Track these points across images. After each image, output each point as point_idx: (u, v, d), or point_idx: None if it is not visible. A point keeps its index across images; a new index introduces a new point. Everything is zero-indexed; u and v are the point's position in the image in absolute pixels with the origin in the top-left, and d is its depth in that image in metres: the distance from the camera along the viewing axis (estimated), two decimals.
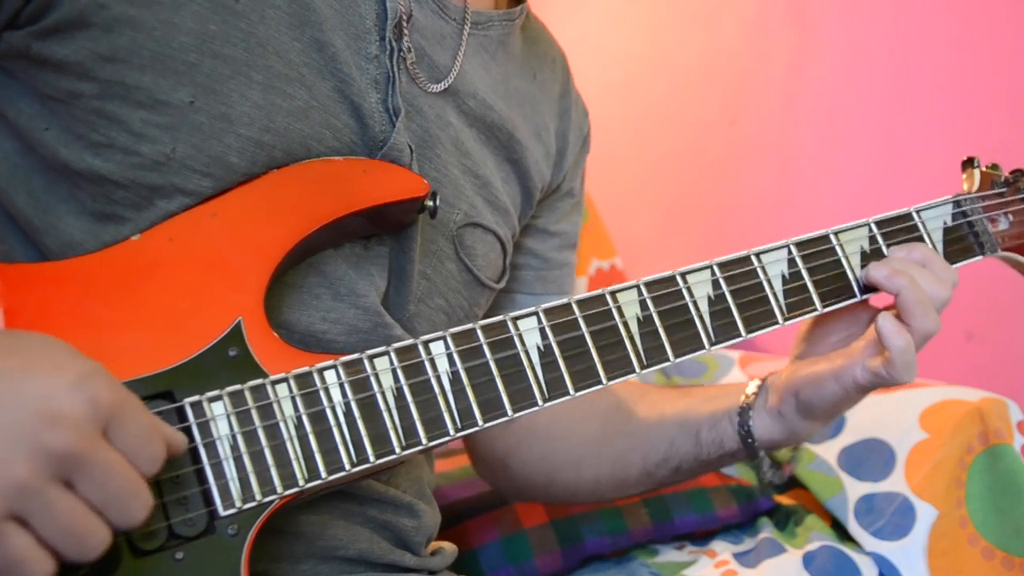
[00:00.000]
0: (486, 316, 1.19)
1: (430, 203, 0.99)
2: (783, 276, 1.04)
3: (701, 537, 1.60)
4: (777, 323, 1.03)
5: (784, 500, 1.67)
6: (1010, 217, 1.16)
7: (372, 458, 0.86)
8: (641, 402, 1.26)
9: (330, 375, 0.87)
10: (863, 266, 1.07)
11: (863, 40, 2.42)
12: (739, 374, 1.91)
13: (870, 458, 1.59)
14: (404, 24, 1.02)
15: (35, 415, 0.69)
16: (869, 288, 1.07)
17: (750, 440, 1.13)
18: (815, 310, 1.05)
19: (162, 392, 0.83)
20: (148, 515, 0.73)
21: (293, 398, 0.85)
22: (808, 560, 1.42)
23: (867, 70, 2.40)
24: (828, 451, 1.65)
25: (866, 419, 1.65)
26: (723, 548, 1.52)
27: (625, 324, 0.97)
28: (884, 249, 1.08)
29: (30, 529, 0.69)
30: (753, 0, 2.60)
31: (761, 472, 1.15)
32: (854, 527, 1.53)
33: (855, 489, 1.57)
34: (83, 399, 0.70)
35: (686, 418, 1.19)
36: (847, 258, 1.07)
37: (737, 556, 1.47)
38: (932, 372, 1.71)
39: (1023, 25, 2.17)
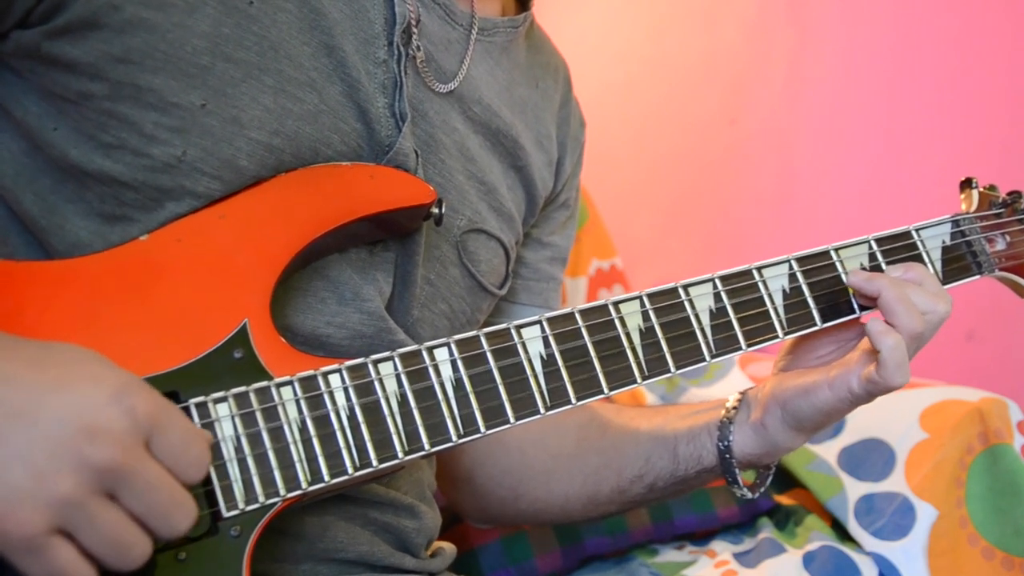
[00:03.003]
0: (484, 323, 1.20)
1: (436, 210, 1.00)
2: (784, 291, 1.05)
3: (701, 537, 1.60)
4: (777, 337, 1.04)
5: (784, 500, 1.67)
6: (1007, 238, 1.17)
7: (375, 462, 0.87)
8: (616, 418, 1.25)
9: (335, 379, 0.87)
10: None
11: (863, 40, 2.42)
12: (739, 374, 1.91)
13: (870, 458, 1.59)
14: (413, 29, 1.02)
15: (76, 430, 0.70)
16: (867, 305, 1.07)
17: (728, 455, 1.12)
18: (815, 325, 1.06)
19: (167, 393, 0.82)
20: (193, 522, 0.75)
21: (297, 401, 0.86)
22: (808, 560, 1.42)
23: (867, 70, 2.40)
24: (828, 451, 1.65)
25: (866, 419, 1.65)
26: (723, 548, 1.52)
27: (627, 335, 0.98)
28: (883, 266, 1.08)
29: (74, 541, 0.70)
30: (753, 0, 2.60)
31: (733, 484, 1.14)
32: (854, 527, 1.53)
33: (855, 489, 1.57)
34: (122, 412, 0.71)
35: (663, 433, 1.18)
36: (847, 274, 1.07)
37: (737, 556, 1.47)
38: (932, 372, 1.71)
39: (1023, 25, 2.17)
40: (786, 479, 1.70)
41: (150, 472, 0.72)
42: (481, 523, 1.42)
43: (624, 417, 1.24)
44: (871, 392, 1.03)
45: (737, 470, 1.12)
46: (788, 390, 1.07)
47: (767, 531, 1.55)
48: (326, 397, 0.86)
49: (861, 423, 1.66)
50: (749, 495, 1.14)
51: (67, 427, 0.70)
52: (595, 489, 1.22)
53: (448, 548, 1.16)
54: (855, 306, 1.07)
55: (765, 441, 1.10)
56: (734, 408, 1.13)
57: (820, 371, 1.06)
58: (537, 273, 1.26)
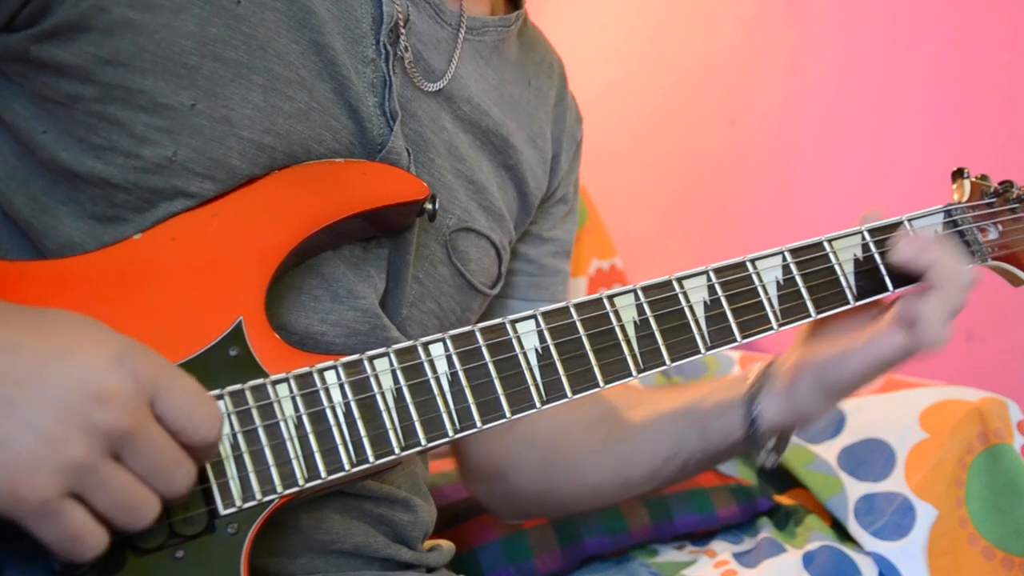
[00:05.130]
0: (481, 322, 1.20)
1: (429, 206, 1.00)
2: (778, 282, 1.05)
3: (701, 537, 1.60)
4: (772, 328, 1.04)
5: (784, 500, 1.67)
6: (999, 227, 1.17)
7: (371, 458, 0.87)
8: (640, 405, 1.25)
9: (330, 375, 0.87)
10: (856, 273, 1.08)
11: (863, 40, 2.42)
12: (740, 374, 1.91)
13: (870, 458, 1.60)
14: (401, 28, 1.02)
15: (83, 395, 0.71)
16: (863, 294, 1.07)
17: (754, 427, 1.12)
18: (809, 316, 1.06)
19: None
20: (192, 484, 0.76)
21: (293, 398, 0.86)
22: (808, 560, 1.42)
23: (867, 70, 2.40)
24: (828, 451, 1.65)
25: (866, 419, 1.66)
26: (723, 548, 1.52)
27: (622, 328, 0.98)
28: (877, 257, 1.08)
29: (86, 504, 0.72)
30: (753, 0, 2.60)
31: (758, 453, 1.14)
32: (854, 527, 1.53)
33: (855, 489, 1.57)
34: (126, 373, 0.73)
35: (690, 413, 1.19)
36: (840, 265, 1.07)
37: (737, 556, 1.47)
38: (932, 372, 1.71)
39: (1023, 26, 2.17)
40: (786, 479, 1.71)
41: (154, 433, 0.74)
42: (513, 519, 1.44)
43: (648, 402, 1.25)
44: (910, 353, 1.03)
45: (763, 440, 1.13)
46: (819, 357, 1.08)
47: (767, 531, 1.55)
48: (322, 394, 0.86)
49: (861, 423, 1.66)
50: (770, 462, 1.15)
51: (74, 393, 0.71)
52: (627, 474, 1.23)
53: (446, 545, 1.17)
54: (849, 296, 1.07)
55: (794, 408, 1.10)
56: (759, 380, 1.14)
57: (850, 338, 1.07)
58: (542, 269, 1.27)
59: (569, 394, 0.95)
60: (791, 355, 1.12)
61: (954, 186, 1.21)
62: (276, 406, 0.85)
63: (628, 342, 0.98)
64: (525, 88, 1.20)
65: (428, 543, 1.14)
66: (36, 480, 0.69)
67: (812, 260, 1.06)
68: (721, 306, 1.02)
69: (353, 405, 0.87)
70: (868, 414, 1.66)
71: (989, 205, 1.18)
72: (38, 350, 0.72)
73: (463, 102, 1.10)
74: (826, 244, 1.08)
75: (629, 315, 0.98)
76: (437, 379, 0.90)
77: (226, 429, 0.83)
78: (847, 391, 1.09)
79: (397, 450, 0.88)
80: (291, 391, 0.86)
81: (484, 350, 0.92)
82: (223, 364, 0.86)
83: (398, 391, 0.89)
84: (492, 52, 1.15)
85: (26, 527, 0.71)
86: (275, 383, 0.85)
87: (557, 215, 1.29)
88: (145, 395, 0.73)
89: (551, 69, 1.27)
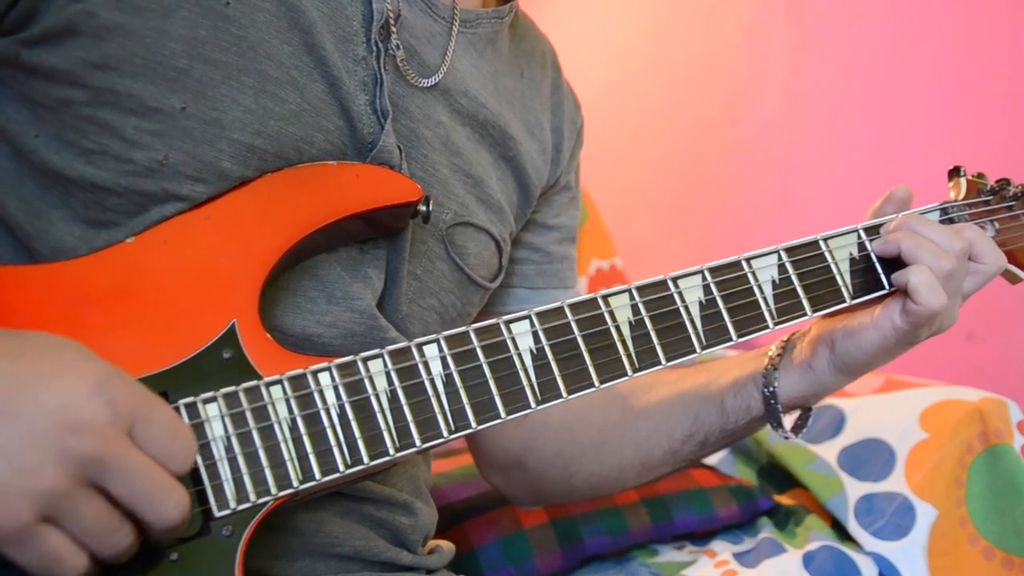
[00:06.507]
0: (485, 312, 1.20)
1: (423, 208, 1.00)
2: (773, 281, 1.05)
3: (701, 537, 1.60)
4: (767, 327, 1.04)
5: (784, 500, 1.67)
6: (996, 225, 1.17)
7: (366, 459, 0.86)
8: (658, 384, 1.25)
9: (324, 377, 0.87)
10: (852, 271, 1.08)
11: (863, 40, 2.42)
12: None
13: (870, 458, 1.59)
14: (392, 24, 1.02)
15: (59, 424, 0.71)
16: (859, 292, 1.08)
17: (773, 401, 1.12)
18: (805, 315, 1.06)
19: (157, 394, 0.82)
20: (184, 512, 0.76)
21: (287, 400, 0.85)
22: (808, 560, 1.42)
23: (867, 70, 2.40)
24: (828, 451, 1.65)
25: (866, 419, 1.66)
26: (723, 548, 1.52)
27: (617, 328, 0.98)
28: (873, 255, 1.08)
29: (63, 530, 0.72)
30: (753, 0, 2.60)
31: (779, 428, 1.14)
32: (854, 527, 1.53)
33: (855, 489, 1.57)
34: (103, 403, 0.73)
35: (708, 390, 1.19)
36: (836, 264, 1.07)
37: (737, 556, 1.47)
38: (932, 372, 1.71)
39: (1023, 25, 2.17)
40: (786, 479, 1.70)
41: (134, 461, 0.73)
42: (532, 505, 1.44)
43: (666, 380, 1.25)
44: (913, 323, 1.03)
45: (782, 414, 1.13)
46: (836, 331, 1.08)
47: (767, 531, 1.55)
48: (316, 395, 0.86)
49: (861, 423, 1.66)
50: (792, 436, 1.15)
51: (50, 421, 0.71)
52: (648, 454, 1.23)
53: (446, 546, 1.17)
54: (845, 295, 1.07)
55: (812, 382, 1.11)
56: (778, 355, 1.14)
57: (865, 313, 1.07)
58: (549, 256, 1.27)
59: (564, 394, 0.94)
60: (812, 327, 1.13)
61: (950, 184, 1.21)
62: (270, 408, 0.85)
63: (623, 342, 0.98)
64: (518, 79, 1.20)
65: (428, 544, 1.14)
66: (9, 507, 0.69)
67: (808, 259, 1.06)
68: (717, 305, 1.02)
69: (347, 407, 0.87)
70: (868, 414, 1.66)
71: (986, 203, 1.18)
72: (17, 377, 0.72)
73: (460, 95, 1.09)
74: (822, 243, 1.08)
75: (624, 315, 0.98)
76: (432, 380, 0.90)
77: (219, 431, 0.83)
78: (863, 368, 1.09)
79: (392, 451, 0.87)
80: (285, 393, 0.85)
81: (479, 351, 0.92)
82: (217, 367, 0.86)
83: (392, 392, 0.88)
84: (486, 45, 1.15)
85: (4, 553, 0.71)
86: (269, 385, 0.85)
87: (561, 202, 1.29)
88: (123, 424, 0.73)
89: (543, 58, 1.26)
